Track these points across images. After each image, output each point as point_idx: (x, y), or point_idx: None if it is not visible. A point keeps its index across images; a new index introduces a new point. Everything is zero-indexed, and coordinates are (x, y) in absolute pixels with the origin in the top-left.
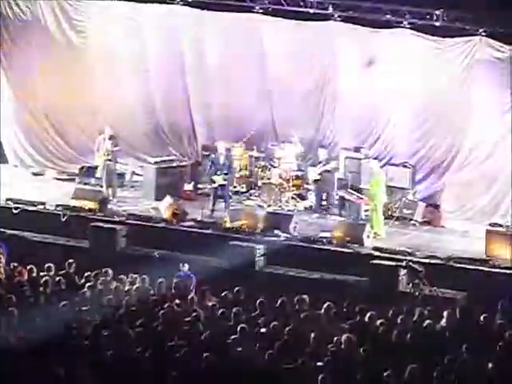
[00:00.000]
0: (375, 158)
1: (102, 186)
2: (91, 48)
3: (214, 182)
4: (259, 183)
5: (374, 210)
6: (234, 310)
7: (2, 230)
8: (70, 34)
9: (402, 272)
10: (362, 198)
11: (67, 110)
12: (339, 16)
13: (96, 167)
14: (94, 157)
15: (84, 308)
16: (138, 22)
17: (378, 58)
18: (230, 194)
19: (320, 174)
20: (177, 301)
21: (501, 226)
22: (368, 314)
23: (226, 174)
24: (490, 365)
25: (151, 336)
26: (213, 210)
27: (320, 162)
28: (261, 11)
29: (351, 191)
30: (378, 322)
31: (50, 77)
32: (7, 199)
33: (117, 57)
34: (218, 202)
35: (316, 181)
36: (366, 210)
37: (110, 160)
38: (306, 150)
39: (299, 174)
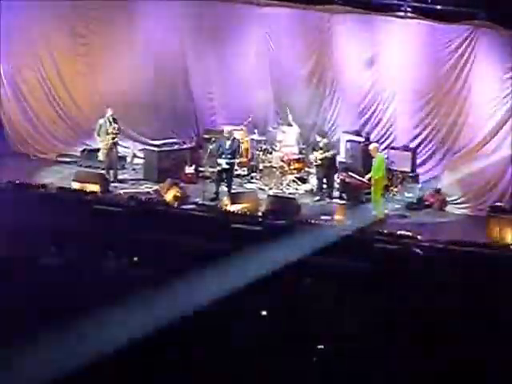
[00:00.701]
0: (376, 142)
1: (103, 169)
2: (94, 33)
3: (219, 165)
4: (260, 166)
5: (375, 193)
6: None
7: None
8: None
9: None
10: (363, 182)
11: (68, 92)
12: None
13: (97, 150)
14: (94, 139)
15: None
16: (142, 8)
17: (378, 53)
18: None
19: (321, 159)
20: None
21: (501, 209)
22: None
23: (230, 158)
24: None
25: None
26: (217, 193)
27: (321, 148)
28: None
29: (352, 174)
30: (380, 305)
31: (52, 59)
32: (8, 182)
33: (118, 41)
34: (221, 185)
35: (317, 166)
36: (366, 193)
37: (114, 143)
38: (307, 134)
39: (300, 157)
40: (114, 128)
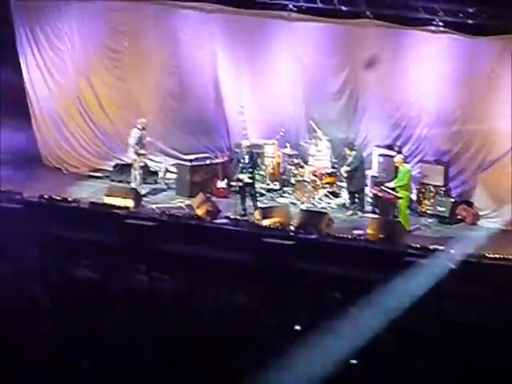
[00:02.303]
0: (409, 156)
1: (134, 183)
2: (125, 48)
3: (240, 181)
4: (292, 180)
5: (401, 206)
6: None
7: None
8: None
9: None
10: (395, 195)
11: (101, 107)
12: (371, 13)
13: (130, 165)
14: (126, 154)
15: None
16: (172, 23)
17: (409, 67)
18: (263, 191)
19: (347, 172)
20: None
21: None
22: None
23: (250, 172)
24: None
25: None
26: (244, 209)
27: (346, 162)
28: (295, 9)
29: (385, 188)
30: (411, 318)
31: (84, 73)
32: (40, 196)
33: (149, 54)
34: (247, 200)
35: (346, 179)
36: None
37: (149, 159)
38: (340, 148)
39: (332, 171)
40: (147, 141)
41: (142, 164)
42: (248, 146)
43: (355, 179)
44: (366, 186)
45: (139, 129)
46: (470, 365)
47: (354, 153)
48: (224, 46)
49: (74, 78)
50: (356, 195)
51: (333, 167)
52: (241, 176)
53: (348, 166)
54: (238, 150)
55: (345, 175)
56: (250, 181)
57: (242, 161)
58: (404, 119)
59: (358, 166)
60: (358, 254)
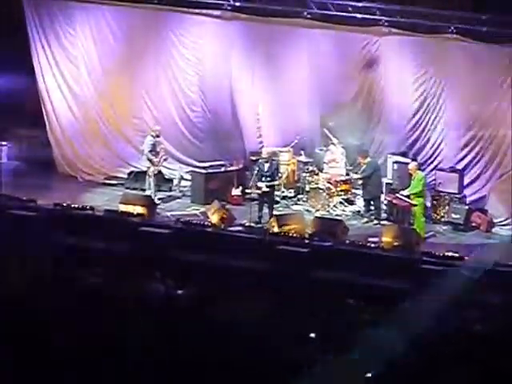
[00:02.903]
0: (423, 163)
1: (149, 190)
2: (139, 54)
3: (259, 189)
4: (307, 188)
5: (416, 213)
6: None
7: None
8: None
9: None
10: (410, 203)
11: (116, 115)
12: (386, 21)
13: (144, 172)
14: (140, 161)
15: None
16: (187, 30)
17: (424, 74)
18: (278, 199)
19: (361, 179)
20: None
21: None
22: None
23: (269, 180)
24: None
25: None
26: (260, 217)
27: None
28: (309, 17)
29: (400, 196)
30: (426, 326)
31: (98, 80)
32: (55, 204)
33: (163, 61)
34: (264, 207)
35: (361, 186)
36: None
37: (164, 166)
38: (354, 155)
39: (347, 178)
40: (161, 149)
41: (156, 171)
42: (268, 153)
43: (370, 186)
44: (382, 193)
45: (153, 136)
46: (490, 375)
47: (367, 160)
48: (239, 54)
49: (88, 85)
50: (371, 203)
51: (347, 174)
52: (259, 184)
53: (360, 173)
54: (254, 158)
55: (360, 182)
56: (268, 189)
57: (259, 168)
58: (419, 126)
59: (372, 174)
60: (372, 262)
